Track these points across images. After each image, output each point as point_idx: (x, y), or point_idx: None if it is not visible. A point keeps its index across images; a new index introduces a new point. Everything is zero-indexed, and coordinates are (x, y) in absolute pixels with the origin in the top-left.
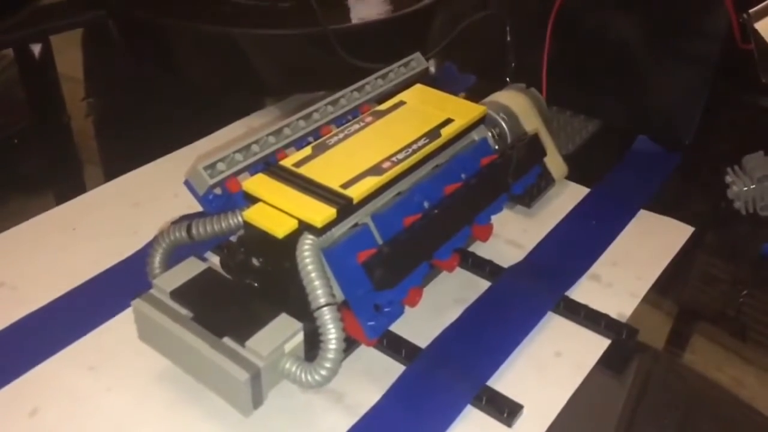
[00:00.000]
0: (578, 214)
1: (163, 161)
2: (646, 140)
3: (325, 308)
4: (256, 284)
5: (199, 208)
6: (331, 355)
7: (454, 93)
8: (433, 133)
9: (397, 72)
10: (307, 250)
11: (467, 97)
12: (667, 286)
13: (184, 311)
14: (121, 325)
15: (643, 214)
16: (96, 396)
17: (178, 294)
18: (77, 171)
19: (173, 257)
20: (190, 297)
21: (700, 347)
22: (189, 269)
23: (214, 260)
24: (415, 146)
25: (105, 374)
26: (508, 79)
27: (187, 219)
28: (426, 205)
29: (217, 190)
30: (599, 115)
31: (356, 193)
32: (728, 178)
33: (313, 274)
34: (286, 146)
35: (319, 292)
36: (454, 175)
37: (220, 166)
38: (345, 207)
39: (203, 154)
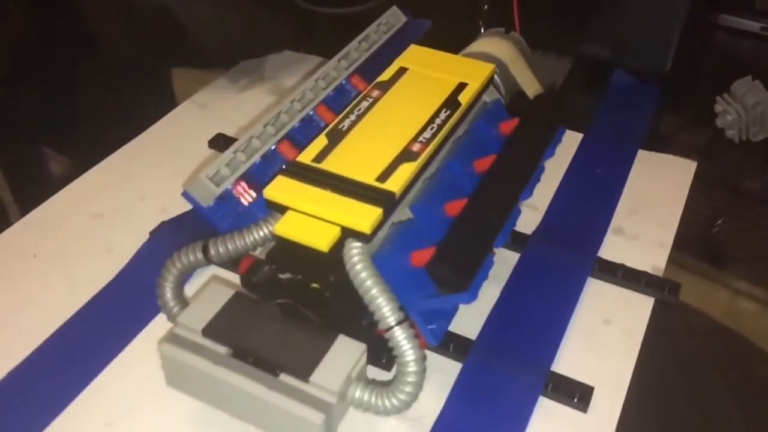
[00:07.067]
0: (580, 164)
1: (115, 158)
2: (623, 74)
3: (396, 328)
4: (291, 303)
5: (173, 212)
6: (412, 378)
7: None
8: (453, 102)
9: (378, 31)
10: (359, 262)
11: (422, 44)
12: None
13: (222, 349)
14: (129, 367)
15: (642, 154)
16: None
17: (211, 330)
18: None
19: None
20: (225, 331)
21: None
22: (214, 298)
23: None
24: (438, 120)
25: (126, 429)
26: (481, 23)
27: (172, 225)
28: (463, 186)
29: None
30: (572, 50)
31: (396, 185)
32: (718, 107)
33: (374, 291)
34: (287, 134)
35: (386, 310)
36: (479, 147)
37: (224, 171)
38: (389, 204)
39: (202, 164)
